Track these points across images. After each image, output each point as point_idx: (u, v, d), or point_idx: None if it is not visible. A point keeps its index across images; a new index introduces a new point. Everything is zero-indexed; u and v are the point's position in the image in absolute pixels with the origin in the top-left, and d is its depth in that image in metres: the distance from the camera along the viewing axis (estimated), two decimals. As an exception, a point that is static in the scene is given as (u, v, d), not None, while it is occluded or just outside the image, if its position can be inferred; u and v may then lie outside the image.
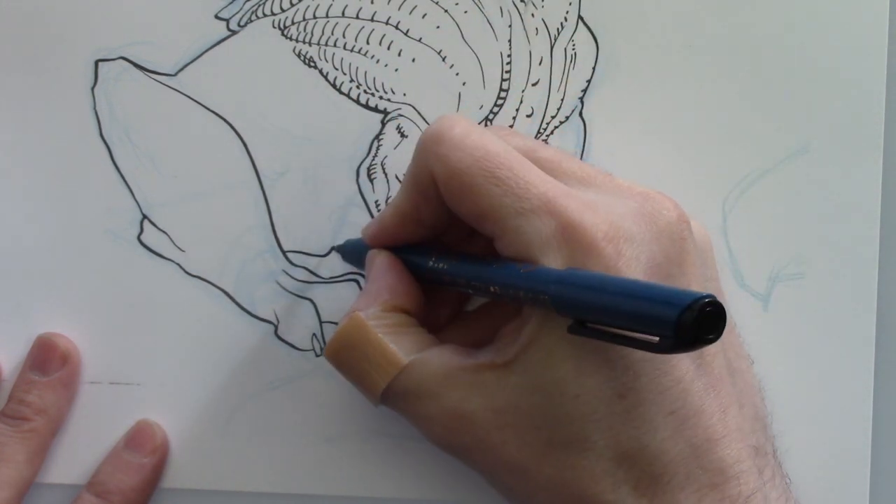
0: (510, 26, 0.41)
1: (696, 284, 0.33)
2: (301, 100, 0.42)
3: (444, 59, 0.41)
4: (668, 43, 0.41)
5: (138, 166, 0.42)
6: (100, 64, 0.42)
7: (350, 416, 0.42)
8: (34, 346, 0.42)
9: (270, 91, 0.42)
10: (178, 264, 0.42)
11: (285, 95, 0.42)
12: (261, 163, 0.42)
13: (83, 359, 0.42)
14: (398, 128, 0.42)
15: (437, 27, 0.41)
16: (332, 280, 0.42)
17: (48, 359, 0.41)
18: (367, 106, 0.42)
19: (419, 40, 0.41)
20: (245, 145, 0.42)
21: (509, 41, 0.41)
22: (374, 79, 0.41)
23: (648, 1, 0.41)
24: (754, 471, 0.32)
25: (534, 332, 0.33)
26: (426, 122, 0.41)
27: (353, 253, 0.41)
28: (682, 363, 0.32)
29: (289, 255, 0.42)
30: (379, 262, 0.37)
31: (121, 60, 0.42)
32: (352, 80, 0.42)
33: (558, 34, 0.42)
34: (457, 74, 0.41)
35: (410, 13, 0.41)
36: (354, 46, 0.41)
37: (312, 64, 0.42)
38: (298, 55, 0.42)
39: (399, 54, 0.41)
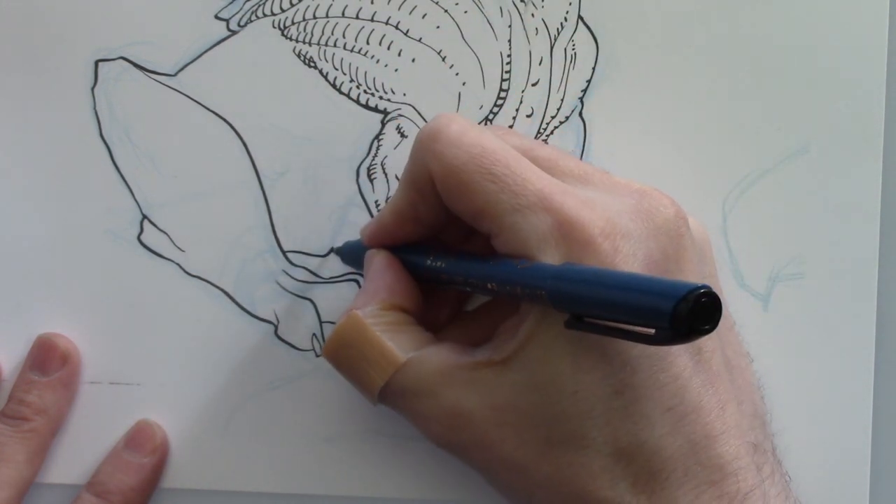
0: (510, 26, 0.41)
1: (693, 280, 0.33)
2: (301, 100, 0.42)
3: (444, 59, 0.41)
4: (668, 43, 0.41)
5: (138, 166, 0.42)
6: (100, 64, 0.42)
7: (350, 416, 0.42)
8: (34, 346, 0.42)
9: (270, 91, 0.42)
10: (178, 264, 0.42)
11: (285, 95, 0.42)
12: (261, 163, 0.42)
13: (83, 359, 0.42)
14: (398, 128, 0.42)
15: (437, 27, 0.41)
16: (332, 280, 0.42)
17: (48, 359, 0.41)
18: (367, 106, 0.42)
19: (419, 40, 0.41)
20: (245, 145, 0.42)
21: (509, 41, 0.41)
22: (374, 79, 0.41)
23: (648, 1, 0.41)
24: (753, 468, 0.32)
25: (531, 329, 0.33)
26: (426, 122, 0.41)
27: (352, 254, 0.41)
28: (680, 359, 0.32)
29: (289, 255, 0.42)
30: (377, 261, 0.38)
31: (121, 60, 0.42)
32: (352, 80, 0.42)
33: (558, 34, 0.42)
34: (457, 74, 0.41)
35: (410, 13, 0.41)
36: (354, 46, 0.41)
37: (312, 64, 0.42)
38: (298, 55, 0.42)
39: (399, 54, 0.41)
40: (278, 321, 0.42)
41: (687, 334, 0.28)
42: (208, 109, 0.42)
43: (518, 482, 0.34)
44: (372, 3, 0.41)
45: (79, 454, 0.42)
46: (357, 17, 0.41)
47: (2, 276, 0.42)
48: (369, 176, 0.42)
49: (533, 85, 0.42)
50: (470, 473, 0.36)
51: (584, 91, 0.42)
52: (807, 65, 0.41)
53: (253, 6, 0.42)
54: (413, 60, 0.41)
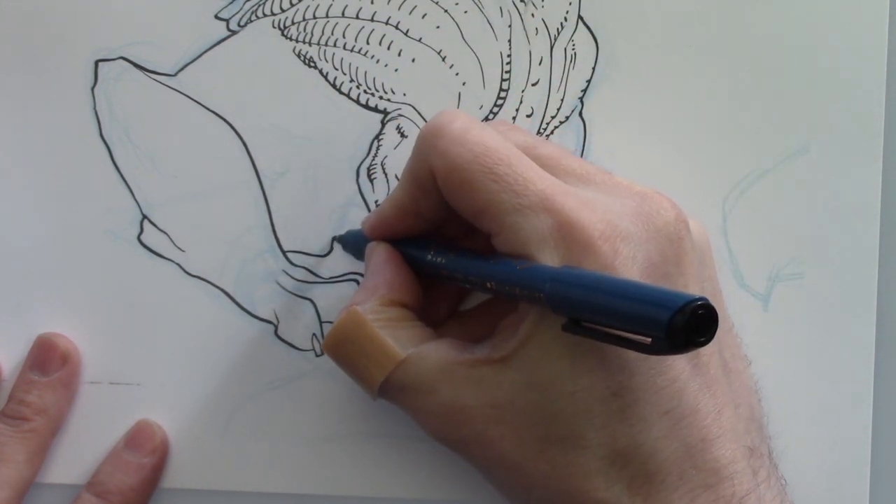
0: (510, 26, 0.41)
1: (693, 284, 0.33)
2: (301, 100, 0.42)
3: (444, 59, 0.41)
4: (668, 43, 0.41)
5: (138, 166, 0.42)
6: (100, 64, 0.42)
7: (350, 416, 0.42)
8: (34, 346, 0.42)
9: (270, 91, 0.42)
10: (178, 264, 0.42)
11: (285, 95, 0.42)
12: (261, 163, 0.42)
13: (83, 359, 0.42)
14: (398, 128, 0.42)
15: (437, 27, 0.41)
16: (332, 280, 0.42)
17: (48, 359, 0.41)
18: (367, 106, 0.42)
19: (419, 40, 0.41)
20: (245, 145, 0.42)
21: (509, 41, 0.41)
22: (374, 79, 0.41)
23: (648, 1, 0.41)
24: (748, 472, 0.32)
25: (530, 329, 0.33)
26: (426, 122, 0.41)
27: (354, 244, 0.41)
28: (678, 363, 0.32)
29: (289, 255, 0.42)
30: (378, 255, 0.38)
31: (121, 60, 0.42)
32: (352, 80, 0.42)
33: (558, 34, 0.42)
34: (457, 74, 0.41)
35: (410, 13, 0.41)
36: (354, 46, 0.41)
37: (312, 64, 0.42)
38: (298, 55, 0.42)
39: (399, 54, 0.41)
40: (278, 321, 0.42)
41: (683, 346, 0.28)
42: (208, 109, 0.42)
43: (515, 480, 0.34)
44: (372, 3, 0.41)
45: (79, 454, 0.42)
46: (357, 17, 0.41)
47: (2, 276, 0.42)
48: (369, 176, 0.42)
49: (533, 85, 0.42)
50: (470, 473, 0.36)
51: (584, 91, 0.42)
52: (807, 65, 0.41)
53: (253, 6, 0.42)
54: (413, 60, 0.41)
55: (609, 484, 0.31)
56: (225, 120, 0.42)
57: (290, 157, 0.42)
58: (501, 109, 0.42)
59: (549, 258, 0.32)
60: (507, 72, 0.41)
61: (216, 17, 0.42)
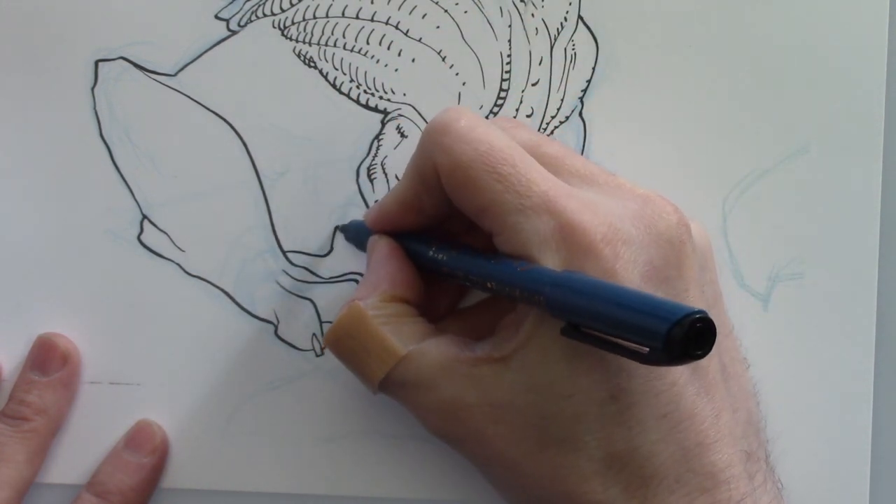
0: (510, 26, 0.41)
1: (693, 289, 0.33)
2: (301, 100, 0.42)
3: (444, 59, 0.41)
4: (668, 43, 0.41)
5: (138, 166, 0.42)
6: (100, 64, 0.42)
7: (350, 416, 0.42)
8: (34, 346, 0.42)
9: (270, 91, 0.42)
10: (178, 264, 0.42)
11: (285, 95, 0.42)
12: (261, 163, 0.42)
13: (83, 359, 0.42)
14: (398, 128, 0.42)
15: (437, 27, 0.41)
16: (332, 280, 0.42)
17: (48, 359, 0.41)
18: (367, 106, 0.42)
19: (419, 40, 0.41)
20: (245, 145, 0.42)
21: (509, 41, 0.41)
22: (374, 79, 0.41)
23: (648, 1, 0.41)
24: (745, 476, 0.33)
25: (530, 331, 0.33)
26: (426, 122, 0.41)
27: (356, 235, 0.41)
28: (676, 367, 0.32)
29: (289, 255, 0.42)
30: (380, 249, 0.38)
31: (121, 60, 0.42)
32: (352, 80, 0.42)
33: (558, 34, 0.42)
34: (457, 74, 0.41)
35: (410, 13, 0.41)
36: (354, 46, 0.41)
37: (312, 64, 0.42)
38: (298, 55, 0.42)
39: (399, 54, 0.41)
40: (278, 321, 0.42)
41: (680, 358, 0.28)
42: (208, 109, 0.42)
43: (513, 479, 0.34)
44: (372, 3, 0.41)
45: (79, 454, 0.42)
46: (357, 17, 0.41)
47: (2, 276, 0.42)
48: (369, 176, 0.42)
49: (533, 85, 0.42)
50: (469, 473, 0.36)
51: (584, 91, 0.42)
52: (807, 65, 0.41)
53: (253, 6, 0.42)
54: (413, 60, 0.41)
55: (606, 486, 0.32)
56: (225, 120, 0.42)
57: (290, 157, 0.42)
58: (501, 109, 0.42)
59: (551, 260, 0.32)
60: (507, 72, 0.41)
61: (216, 17, 0.42)
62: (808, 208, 0.41)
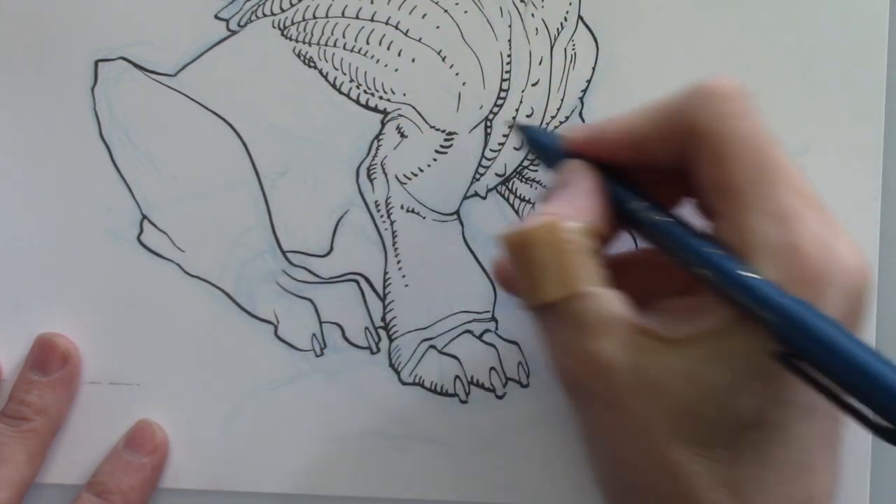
0: (510, 26, 0.41)
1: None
2: (301, 100, 0.42)
3: (444, 59, 0.41)
4: (668, 43, 0.41)
5: (138, 166, 0.42)
6: (100, 64, 0.42)
7: (350, 416, 0.42)
8: (34, 346, 0.42)
9: (270, 91, 0.42)
10: (177, 264, 0.42)
11: (285, 95, 0.42)
12: (261, 163, 0.42)
13: (83, 359, 0.42)
14: (398, 128, 0.42)
15: (437, 27, 0.41)
16: (332, 280, 0.42)
17: (48, 359, 0.41)
18: (367, 106, 0.42)
19: (419, 40, 0.41)
20: (245, 145, 0.42)
21: (509, 41, 0.41)
22: (374, 79, 0.41)
23: (648, 1, 0.41)
24: None
25: (717, 330, 0.31)
26: (426, 122, 0.41)
27: (539, 144, 0.38)
28: (828, 422, 0.32)
29: (289, 255, 0.42)
30: (587, 178, 0.35)
31: (121, 60, 0.42)
32: (352, 80, 0.42)
33: (558, 34, 0.42)
34: (457, 74, 0.41)
35: (410, 13, 0.41)
36: (354, 46, 0.41)
37: (312, 64, 0.42)
38: (298, 55, 0.42)
39: (399, 54, 0.41)
40: (278, 321, 0.42)
41: None
42: (208, 109, 0.42)
43: (622, 457, 0.33)
44: (372, 3, 0.41)
45: (79, 454, 0.42)
46: (357, 17, 0.41)
47: (2, 276, 0.42)
48: (369, 176, 0.42)
49: (533, 85, 0.42)
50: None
51: (584, 91, 0.42)
52: (807, 65, 0.41)
53: (253, 6, 0.42)
54: (413, 60, 0.41)
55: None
56: (225, 120, 0.42)
57: (290, 157, 0.42)
58: (501, 109, 0.42)
59: (774, 273, 0.30)
60: (507, 72, 0.41)
61: (216, 17, 0.42)
62: (808, 208, 0.41)
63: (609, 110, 0.41)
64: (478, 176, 0.42)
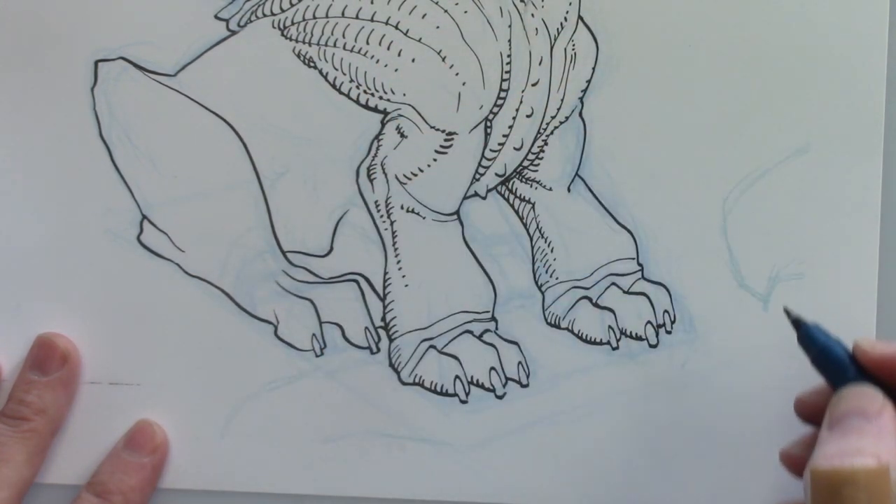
0: (510, 26, 0.41)
1: None
2: (301, 100, 0.42)
3: (444, 59, 0.41)
4: (668, 43, 0.41)
5: (138, 166, 0.42)
6: (100, 64, 0.42)
7: (350, 416, 0.42)
8: (34, 346, 0.42)
9: (270, 91, 0.42)
10: (177, 264, 0.42)
11: (285, 95, 0.42)
12: (261, 163, 0.42)
13: (83, 359, 0.42)
14: (398, 128, 0.42)
15: (437, 27, 0.41)
16: (332, 280, 0.42)
17: (48, 359, 0.41)
18: (367, 106, 0.42)
19: (419, 40, 0.41)
20: (245, 145, 0.42)
21: (509, 41, 0.41)
22: (374, 79, 0.41)
23: (648, 1, 0.41)
24: None
25: None
26: (426, 122, 0.41)
27: (828, 354, 0.37)
28: None
29: (289, 255, 0.42)
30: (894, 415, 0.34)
31: (121, 60, 0.42)
32: (352, 80, 0.42)
33: (558, 34, 0.42)
34: (457, 74, 0.41)
35: (410, 13, 0.41)
36: (354, 46, 0.41)
37: (312, 64, 0.42)
38: (298, 55, 0.42)
39: (399, 54, 0.41)
40: (278, 321, 0.42)
41: None
42: (208, 109, 0.42)
43: None
44: (372, 3, 0.41)
45: (79, 454, 0.42)
46: (357, 17, 0.41)
47: (2, 276, 0.42)
48: (369, 176, 0.42)
49: (533, 85, 0.42)
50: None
51: (584, 91, 0.42)
52: (807, 65, 0.41)
53: (253, 6, 0.42)
54: (413, 60, 0.41)
55: None
56: (225, 120, 0.42)
57: (290, 157, 0.42)
58: (501, 109, 0.42)
59: None
60: (507, 72, 0.41)
61: (216, 17, 0.42)
62: (808, 208, 0.41)
63: (609, 110, 0.41)
64: (478, 176, 0.42)
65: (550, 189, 0.42)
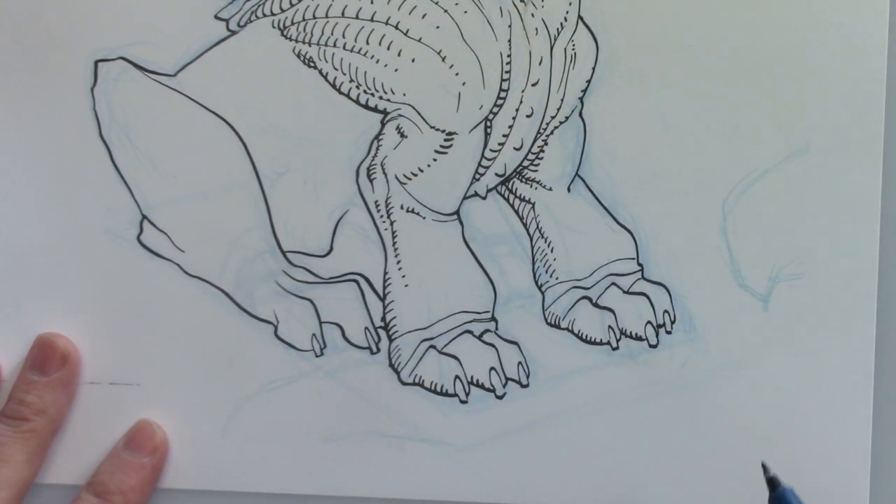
0: (510, 26, 0.41)
1: None
2: (301, 100, 0.42)
3: (444, 59, 0.41)
4: (668, 43, 0.41)
5: (138, 166, 0.42)
6: (99, 64, 0.42)
7: (350, 416, 0.42)
8: (34, 346, 0.42)
9: (270, 91, 0.42)
10: (177, 264, 0.42)
11: (285, 95, 0.42)
12: (261, 163, 0.42)
13: (83, 359, 0.42)
14: (398, 128, 0.42)
15: (437, 27, 0.41)
16: (332, 280, 0.42)
17: (48, 359, 0.41)
18: (366, 106, 0.42)
19: (419, 40, 0.41)
20: (245, 145, 0.42)
21: (509, 41, 0.41)
22: (374, 79, 0.41)
23: (648, 1, 0.41)
24: None
25: None
26: (426, 122, 0.41)
27: None
28: None
29: (289, 255, 0.42)
30: None
31: (120, 60, 0.42)
32: (352, 80, 0.42)
33: (558, 34, 0.42)
34: (457, 74, 0.41)
35: (410, 13, 0.41)
36: (354, 46, 0.41)
37: (312, 64, 0.42)
38: (298, 55, 0.42)
39: (399, 54, 0.41)
40: (278, 321, 0.42)
41: None
42: (208, 109, 0.42)
43: None
44: (372, 3, 0.41)
45: (79, 454, 0.42)
46: (357, 17, 0.41)
47: (2, 276, 0.42)
48: (369, 176, 0.42)
49: (533, 85, 0.42)
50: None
51: (584, 91, 0.42)
52: (807, 65, 0.41)
53: (253, 6, 0.42)
54: (413, 60, 0.41)
55: None
56: (225, 120, 0.42)
57: (290, 157, 0.42)
58: (501, 109, 0.42)
59: None
60: (507, 72, 0.41)
61: (216, 17, 0.42)
62: (808, 208, 0.41)
63: (609, 110, 0.41)
64: (478, 176, 0.42)
65: (550, 189, 0.42)
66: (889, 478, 0.42)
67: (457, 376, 0.42)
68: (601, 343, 0.42)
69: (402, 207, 0.42)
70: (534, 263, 0.42)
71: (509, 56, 0.41)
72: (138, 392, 0.42)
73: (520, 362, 0.42)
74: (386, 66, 0.41)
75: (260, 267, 0.42)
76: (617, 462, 0.42)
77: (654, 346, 0.42)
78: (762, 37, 0.41)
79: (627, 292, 0.42)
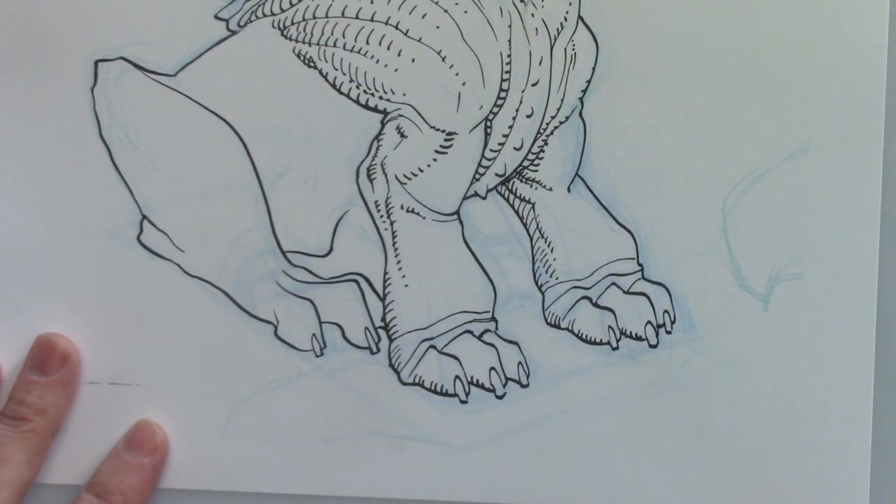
0: (510, 26, 0.41)
1: None
2: (301, 100, 0.42)
3: (444, 59, 0.41)
4: (668, 43, 0.41)
5: (138, 166, 0.42)
6: (99, 64, 0.42)
7: (350, 416, 0.42)
8: (34, 346, 0.42)
9: (270, 91, 0.42)
10: (177, 264, 0.42)
11: (285, 95, 0.42)
12: (261, 163, 0.42)
13: (83, 359, 0.42)
14: (398, 128, 0.42)
15: (437, 27, 0.41)
16: (332, 280, 0.42)
17: (48, 359, 0.41)
18: (366, 106, 0.42)
19: (419, 40, 0.41)
20: (245, 145, 0.42)
21: (509, 41, 0.41)
22: (374, 79, 0.41)
23: (648, 1, 0.41)
24: None
25: None
26: (426, 122, 0.41)
27: None
28: None
29: (289, 255, 0.42)
30: None
31: (120, 60, 0.42)
32: (352, 80, 0.42)
33: (558, 34, 0.42)
34: (457, 74, 0.41)
35: (410, 13, 0.41)
36: (354, 46, 0.41)
37: (312, 64, 0.42)
38: (298, 55, 0.42)
39: (399, 54, 0.41)
40: (278, 321, 0.42)
41: None
42: (208, 109, 0.42)
43: None
44: (372, 3, 0.41)
45: (79, 454, 0.42)
46: (357, 17, 0.41)
47: (2, 276, 0.42)
48: (369, 176, 0.42)
49: (533, 85, 0.42)
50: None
51: (584, 91, 0.42)
52: (807, 65, 0.41)
53: (253, 6, 0.42)
54: (413, 60, 0.41)
55: None
56: (225, 120, 0.42)
57: (290, 157, 0.42)
58: (501, 109, 0.42)
59: None
60: (507, 72, 0.41)
61: (216, 17, 0.42)
62: (808, 208, 0.41)
63: (609, 110, 0.41)
64: (478, 176, 0.42)
65: (550, 189, 0.42)
66: (889, 478, 0.42)
67: (457, 376, 0.42)
68: (601, 343, 0.42)
69: (402, 207, 0.42)
70: (534, 263, 0.42)
71: (509, 56, 0.41)
72: (138, 392, 0.42)
73: (520, 362, 0.42)
74: (386, 66, 0.41)
75: (260, 267, 0.42)
76: (617, 462, 0.42)
77: (654, 346, 0.42)
78: (762, 37, 0.41)
79: (627, 292, 0.42)
